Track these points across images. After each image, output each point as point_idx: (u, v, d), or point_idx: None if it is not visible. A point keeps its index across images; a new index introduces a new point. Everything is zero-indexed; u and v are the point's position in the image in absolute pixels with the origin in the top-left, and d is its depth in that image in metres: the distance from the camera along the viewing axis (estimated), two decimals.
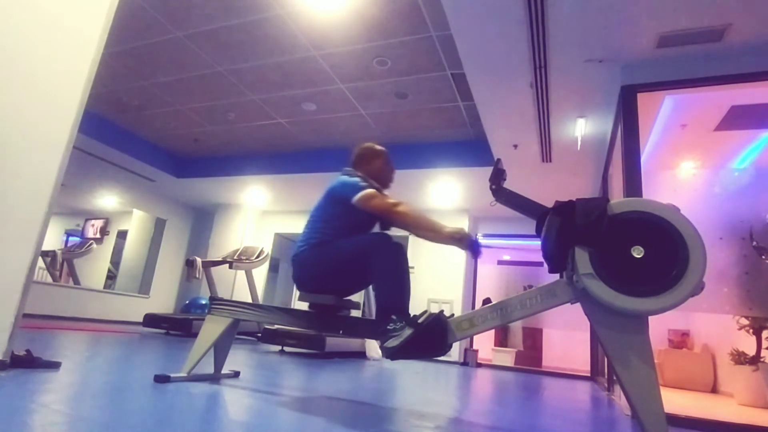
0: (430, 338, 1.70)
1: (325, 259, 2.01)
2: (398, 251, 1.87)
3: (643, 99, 3.08)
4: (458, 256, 6.92)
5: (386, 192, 2.25)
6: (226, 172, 7.11)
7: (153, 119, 6.08)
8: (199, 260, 5.83)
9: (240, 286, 7.49)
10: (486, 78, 3.64)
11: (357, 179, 2.12)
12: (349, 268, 1.99)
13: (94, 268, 7.96)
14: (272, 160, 6.77)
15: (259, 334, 5.27)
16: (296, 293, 4.59)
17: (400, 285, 1.84)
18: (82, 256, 7.76)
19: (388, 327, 1.73)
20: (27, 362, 1.90)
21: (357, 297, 2.04)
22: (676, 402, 3.34)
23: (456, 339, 1.75)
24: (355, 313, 2.59)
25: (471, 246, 1.90)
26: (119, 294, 7.90)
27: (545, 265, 1.71)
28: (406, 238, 7.40)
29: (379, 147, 2.36)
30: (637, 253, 1.56)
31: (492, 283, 7.75)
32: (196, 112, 5.73)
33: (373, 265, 1.86)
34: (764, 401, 3.27)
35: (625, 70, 3.18)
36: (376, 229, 2.22)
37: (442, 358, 5.85)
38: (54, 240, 7.96)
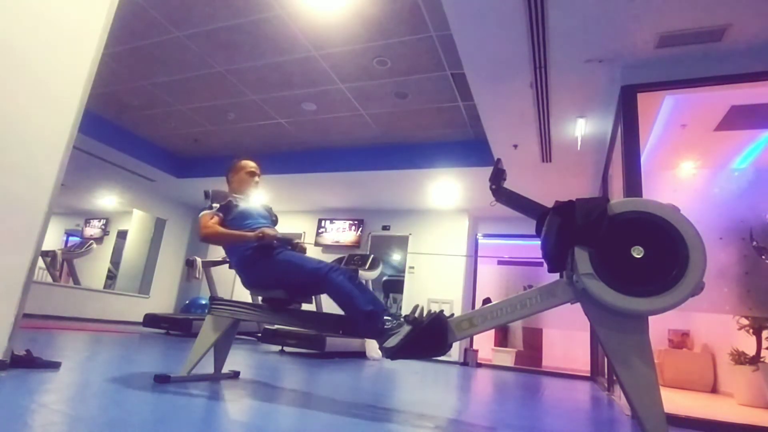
0: (430, 338, 1.71)
1: (273, 271, 2.12)
2: (347, 276, 1.96)
3: (643, 99, 3.07)
4: (458, 256, 6.93)
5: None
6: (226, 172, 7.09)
7: (153, 119, 6.07)
8: (199, 260, 5.82)
9: (240, 286, 7.48)
10: (486, 78, 3.64)
11: (205, 208, 2.28)
12: (299, 290, 2.16)
13: (94, 268, 7.95)
14: (272, 160, 6.75)
15: (259, 334, 5.26)
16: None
17: (368, 298, 1.91)
18: (82, 256, 7.76)
19: (386, 327, 1.75)
20: (27, 362, 1.90)
21: None
22: (676, 402, 3.33)
23: (456, 339, 1.75)
24: (307, 306, 2.70)
25: (274, 237, 2.08)
26: (119, 294, 7.90)
27: (545, 265, 1.71)
28: (407, 238, 7.41)
29: (237, 161, 2.59)
30: (637, 253, 1.55)
31: (492, 283, 7.73)
32: (196, 112, 5.73)
33: (333, 296, 1.96)
34: (764, 401, 3.27)
35: (625, 70, 3.18)
36: None
37: (441, 358, 5.84)
38: (54, 240, 7.96)
